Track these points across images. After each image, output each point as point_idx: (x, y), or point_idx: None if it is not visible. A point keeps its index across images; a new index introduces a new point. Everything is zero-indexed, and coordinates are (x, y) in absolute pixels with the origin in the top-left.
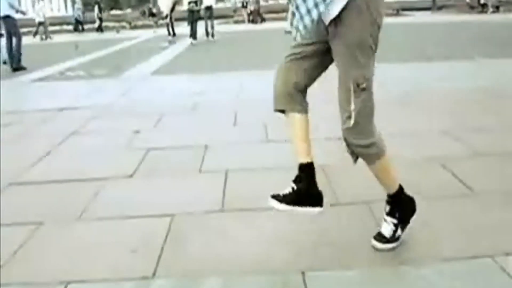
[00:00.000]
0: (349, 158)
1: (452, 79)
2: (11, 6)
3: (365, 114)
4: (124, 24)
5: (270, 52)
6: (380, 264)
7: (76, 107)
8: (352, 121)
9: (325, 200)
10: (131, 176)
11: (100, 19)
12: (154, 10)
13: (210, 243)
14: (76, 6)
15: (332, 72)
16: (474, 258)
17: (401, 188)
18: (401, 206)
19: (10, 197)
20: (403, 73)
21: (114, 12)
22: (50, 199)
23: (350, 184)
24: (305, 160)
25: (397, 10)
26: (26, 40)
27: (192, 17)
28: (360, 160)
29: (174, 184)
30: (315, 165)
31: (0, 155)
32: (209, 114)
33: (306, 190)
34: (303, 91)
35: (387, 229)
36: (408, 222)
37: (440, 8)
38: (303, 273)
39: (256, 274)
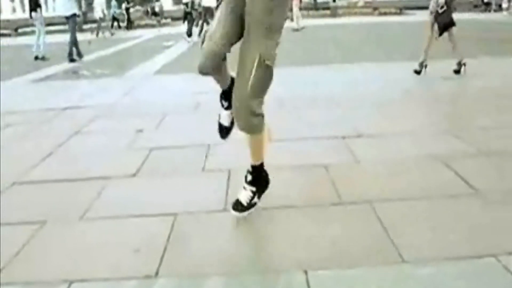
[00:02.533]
0: (351, 157)
1: (455, 78)
2: (78, 2)
3: (261, 83)
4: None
5: None
6: (383, 263)
7: (79, 107)
8: (249, 85)
9: (328, 199)
10: (134, 175)
11: (129, 16)
12: (157, 9)
13: (213, 242)
14: (113, 3)
15: (332, 79)
16: (477, 258)
17: (263, 163)
18: (260, 177)
19: (13, 197)
20: (406, 71)
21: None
22: (53, 199)
23: (352, 184)
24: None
25: (400, 9)
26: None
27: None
28: (362, 160)
29: (177, 184)
30: (320, 163)
31: (4, 154)
32: (212, 113)
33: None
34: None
35: (245, 196)
36: (263, 192)
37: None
38: (306, 272)
39: (259, 273)
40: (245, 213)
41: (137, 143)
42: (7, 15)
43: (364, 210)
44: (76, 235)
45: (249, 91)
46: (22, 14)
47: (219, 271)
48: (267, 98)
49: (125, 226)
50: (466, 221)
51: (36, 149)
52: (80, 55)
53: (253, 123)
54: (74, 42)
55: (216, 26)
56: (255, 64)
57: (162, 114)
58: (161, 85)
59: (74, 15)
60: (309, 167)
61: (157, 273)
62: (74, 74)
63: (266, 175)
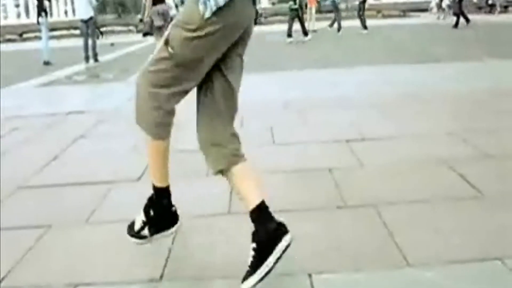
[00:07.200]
0: (355, 160)
1: (460, 80)
2: (93, 7)
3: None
4: (131, 28)
5: (275, 55)
6: (388, 267)
7: (83, 111)
8: (147, 66)
9: (332, 203)
10: (138, 179)
11: None
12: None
13: (217, 246)
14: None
15: (337, 81)
16: (483, 261)
17: (164, 191)
18: (157, 207)
19: (18, 201)
20: (410, 74)
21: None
22: (58, 203)
23: (357, 187)
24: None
25: (404, 11)
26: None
27: None
28: (366, 163)
29: (181, 188)
30: (324, 167)
31: (9, 159)
32: None
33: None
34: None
35: (138, 220)
36: (160, 231)
37: None
38: (310, 275)
39: None
40: (132, 240)
41: (141, 147)
42: (12, 20)
43: (369, 214)
44: (81, 239)
45: (146, 72)
46: (27, 19)
47: (224, 274)
48: (271, 100)
49: None
50: (471, 224)
51: (41, 153)
52: (96, 57)
53: (145, 109)
54: (95, 43)
55: None
56: (160, 47)
57: None
58: None
59: (91, 18)
60: (313, 171)
61: (161, 277)
62: (79, 78)
63: (170, 212)
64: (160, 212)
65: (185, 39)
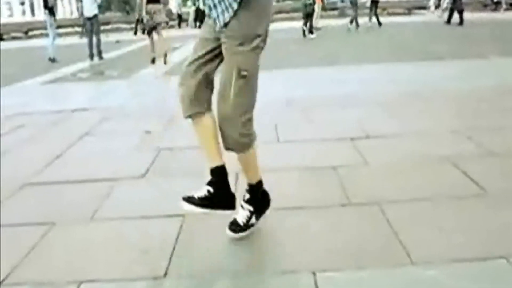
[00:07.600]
0: (360, 158)
1: (465, 78)
2: (98, 4)
3: (243, 98)
4: (134, 25)
5: (279, 53)
6: (392, 265)
7: (88, 109)
8: (231, 102)
9: (336, 200)
10: (142, 176)
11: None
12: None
13: (221, 244)
14: (177, 1)
15: (340, 79)
16: (487, 259)
17: (261, 182)
18: (258, 196)
19: (23, 198)
20: (415, 72)
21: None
22: (62, 200)
23: (361, 185)
24: (216, 164)
25: (409, 9)
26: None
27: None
28: (371, 161)
29: (185, 184)
30: (328, 165)
31: (14, 156)
32: None
33: (218, 194)
34: (208, 89)
35: (242, 216)
36: (262, 213)
37: None
38: (314, 273)
39: (267, 274)
40: (242, 234)
41: (146, 144)
42: (17, 17)
43: (373, 211)
44: (85, 236)
45: (231, 108)
46: (32, 17)
47: (228, 272)
48: (276, 98)
49: (134, 227)
50: (475, 222)
51: (46, 150)
52: (100, 55)
53: (241, 142)
54: (99, 40)
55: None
56: (234, 77)
57: (171, 115)
58: (170, 86)
59: (96, 15)
60: (318, 169)
61: (165, 274)
62: (84, 76)
63: (266, 194)
64: (265, 199)
65: (255, 55)
